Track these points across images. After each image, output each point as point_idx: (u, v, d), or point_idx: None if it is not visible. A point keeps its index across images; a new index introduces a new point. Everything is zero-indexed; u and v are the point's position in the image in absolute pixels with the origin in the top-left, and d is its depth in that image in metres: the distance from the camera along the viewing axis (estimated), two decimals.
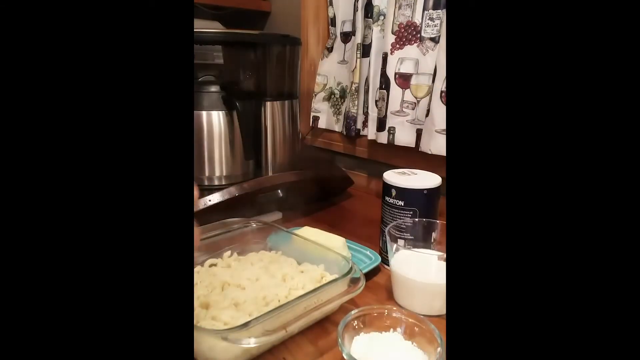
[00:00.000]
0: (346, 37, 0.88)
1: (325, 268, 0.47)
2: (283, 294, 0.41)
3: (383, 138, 0.79)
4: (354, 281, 0.41)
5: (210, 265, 0.49)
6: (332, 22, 0.90)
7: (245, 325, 0.33)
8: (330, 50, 0.92)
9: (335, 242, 0.53)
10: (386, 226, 0.52)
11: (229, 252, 0.52)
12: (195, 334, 0.33)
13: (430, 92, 0.71)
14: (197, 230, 0.30)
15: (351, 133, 0.87)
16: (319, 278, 0.45)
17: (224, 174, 0.70)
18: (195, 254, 0.48)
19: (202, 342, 0.34)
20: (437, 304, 0.45)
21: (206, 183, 0.69)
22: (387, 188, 0.54)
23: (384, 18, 0.78)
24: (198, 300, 0.41)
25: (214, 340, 0.33)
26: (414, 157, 0.77)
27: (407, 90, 0.76)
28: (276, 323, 0.34)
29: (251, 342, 0.32)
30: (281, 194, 0.71)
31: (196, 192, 0.33)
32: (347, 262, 0.44)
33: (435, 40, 0.72)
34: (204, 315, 0.39)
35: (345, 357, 0.33)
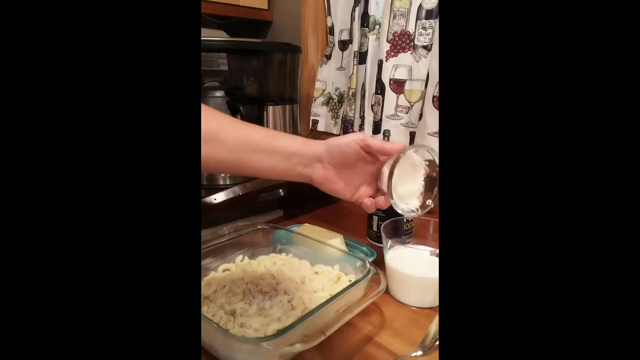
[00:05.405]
0: (344, 45, 0.87)
1: (340, 269, 0.45)
2: (307, 297, 0.40)
3: None
4: (374, 280, 0.40)
5: (224, 270, 0.48)
6: (331, 31, 0.89)
7: (283, 332, 0.32)
8: (328, 57, 0.91)
9: (333, 239, 0.52)
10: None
11: (240, 257, 0.50)
12: (234, 341, 0.31)
13: (423, 97, 0.70)
14: None
15: None
16: (335, 279, 0.44)
17: (228, 174, 0.69)
18: (207, 260, 0.47)
19: (240, 349, 0.32)
20: (430, 297, 0.45)
21: (207, 182, 0.68)
22: None
23: (380, 27, 0.77)
24: (223, 308, 0.39)
25: (253, 347, 0.31)
26: None
27: (401, 95, 0.75)
28: (313, 328, 0.33)
29: (297, 347, 0.31)
30: (282, 193, 0.70)
31: None
32: (362, 263, 0.43)
33: (427, 48, 0.71)
34: (232, 324, 0.37)
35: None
